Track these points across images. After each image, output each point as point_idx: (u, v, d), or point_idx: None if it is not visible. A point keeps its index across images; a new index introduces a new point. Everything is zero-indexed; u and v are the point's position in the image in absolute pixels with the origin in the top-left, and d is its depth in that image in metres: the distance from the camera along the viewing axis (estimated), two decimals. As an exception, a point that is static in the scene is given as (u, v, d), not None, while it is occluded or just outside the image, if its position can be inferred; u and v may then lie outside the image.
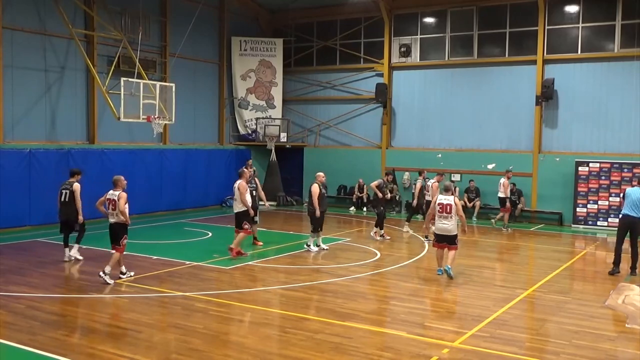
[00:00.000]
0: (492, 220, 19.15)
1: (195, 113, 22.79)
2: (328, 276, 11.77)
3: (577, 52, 20.04)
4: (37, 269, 11.79)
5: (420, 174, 17.96)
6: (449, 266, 11.47)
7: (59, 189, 12.68)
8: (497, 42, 21.42)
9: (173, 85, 18.48)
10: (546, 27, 20.35)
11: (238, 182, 13.38)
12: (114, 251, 10.96)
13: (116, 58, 18.57)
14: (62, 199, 12.54)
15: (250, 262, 12.84)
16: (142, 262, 12.69)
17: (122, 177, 11.12)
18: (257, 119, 24.74)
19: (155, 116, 17.42)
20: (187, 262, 12.63)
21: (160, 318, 8.97)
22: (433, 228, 12.23)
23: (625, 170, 18.97)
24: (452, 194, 11.66)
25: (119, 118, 17.03)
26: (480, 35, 21.61)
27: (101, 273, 10.70)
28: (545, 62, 20.41)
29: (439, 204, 11.49)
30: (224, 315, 9.07)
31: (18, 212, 16.59)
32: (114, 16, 19.32)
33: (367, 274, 12.04)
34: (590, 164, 19.45)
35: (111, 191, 10.94)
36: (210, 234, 16.75)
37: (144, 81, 17.33)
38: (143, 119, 17.19)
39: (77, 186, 12.54)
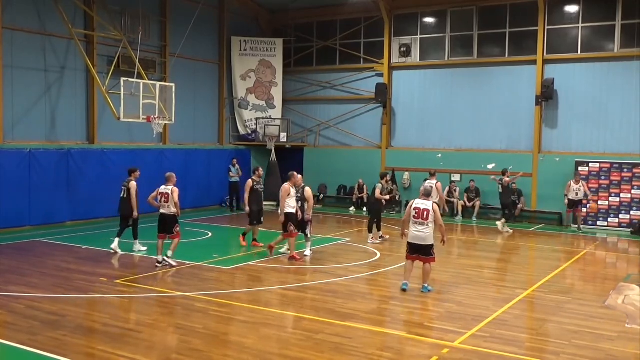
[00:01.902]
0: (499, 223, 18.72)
1: (195, 113, 22.79)
2: (328, 276, 11.76)
3: (577, 52, 20.04)
4: (37, 269, 11.79)
5: (432, 174, 17.39)
6: (425, 285, 10.44)
7: (121, 185, 14.05)
8: (497, 42, 21.42)
9: (173, 85, 18.47)
10: (546, 27, 20.35)
11: (282, 184, 13.54)
12: (167, 240, 12.34)
13: (116, 58, 18.57)
14: (121, 195, 13.87)
15: (250, 262, 12.83)
16: (142, 262, 12.70)
17: (174, 174, 12.73)
18: (257, 119, 24.74)
19: (155, 116, 17.42)
20: (187, 262, 12.63)
21: (160, 318, 8.96)
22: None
23: (625, 170, 18.97)
24: (433, 199, 10.73)
25: (119, 118, 17.03)
26: (480, 35, 21.61)
27: (165, 258, 12.10)
28: (545, 62, 20.41)
29: (415, 209, 10.31)
30: (224, 315, 9.07)
31: (18, 212, 16.59)
32: (114, 16, 19.32)
33: (367, 274, 12.04)
34: (590, 164, 19.45)
35: (163, 186, 12.39)
36: (210, 234, 16.74)
37: (144, 81, 17.33)
38: (143, 119, 17.19)
39: (133, 184, 13.75)
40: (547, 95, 20.00)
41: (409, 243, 10.46)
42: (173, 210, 12.17)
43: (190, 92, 22.38)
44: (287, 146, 24.41)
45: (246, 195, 14.40)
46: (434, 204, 10.41)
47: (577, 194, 18.57)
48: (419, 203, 10.40)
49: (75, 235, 15.89)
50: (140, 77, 17.54)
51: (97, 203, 18.59)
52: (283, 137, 24.14)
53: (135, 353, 7.29)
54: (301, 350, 7.49)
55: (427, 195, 10.54)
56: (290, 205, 13.13)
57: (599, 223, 19.31)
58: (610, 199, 19.17)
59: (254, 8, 25.23)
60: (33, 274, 11.37)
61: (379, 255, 13.97)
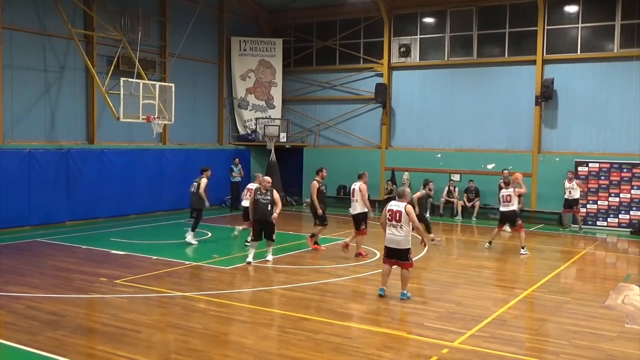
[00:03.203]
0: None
1: (195, 113, 22.79)
2: (328, 276, 11.76)
3: (576, 52, 20.04)
4: (36, 269, 11.78)
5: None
6: (404, 292, 10.02)
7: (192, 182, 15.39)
8: (497, 42, 21.42)
9: (173, 85, 18.47)
10: (546, 27, 20.35)
11: (358, 183, 13.52)
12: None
13: (116, 58, 18.56)
14: (192, 190, 15.14)
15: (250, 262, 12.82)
16: (142, 262, 12.69)
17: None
18: (256, 119, 24.74)
19: (155, 116, 17.42)
20: (187, 262, 12.63)
21: (160, 318, 8.96)
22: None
23: (625, 170, 18.98)
24: (407, 201, 10.11)
25: (118, 118, 17.03)
26: (480, 35, 21.61)
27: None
28: (545, 62, 20.41)
29: (388, 211, 9.95)
30: (223, 315, 9.07)
31: (18, 212, 16.58)
32: (114, 16, 19.31)
33: (367, 274, 12.03)
34: (590, 164, 19.45)
35: (251, 184, 13.98)
36: (210, 234, 16.73)
37: (144, 81, 17.33)
38: (143, 119, 17.19)
39: (203, 181, 15.15)
40: (546, 95, 20.00)
41: (385, 247, 10.11)
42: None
43: (190, 92, 22.38)
44: (287, 146, 24.41)
45: (314, 197, 14.06)
46: (407, 205, 9.93)
47: (570, 193, 18.55)
48: (392, 205, 10.03)
49: (74, 235, 15.88)
50: (139, 77, 17.53)
51: (97, 203, 18.61)
52: (283, 137, 24.14)
53: (135, 353, 7.29)
54: (301, 350, 7.49)
55: (400, 196, 10.14)
56: (359, 205, 13.39)
57: (598, 223, 19.31)
58: (610, 199, 19.17)
59: (253, 8, 25.23)
60: (33, 274, 11.36)
61: (378, 255, 13.96)
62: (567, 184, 18.66)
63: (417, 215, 12.79)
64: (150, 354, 7.34)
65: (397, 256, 9.95)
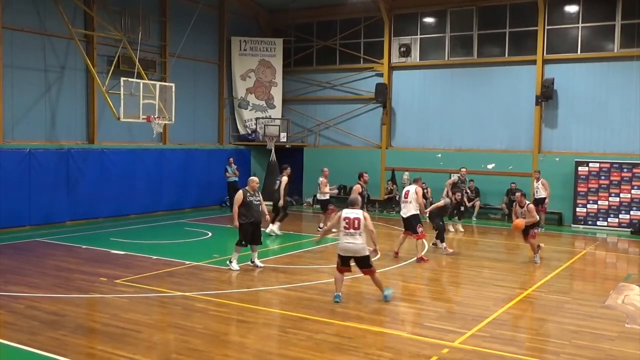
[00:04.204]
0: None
1: (195, 113, 22.79)
2: (328, 276, 11.75)
3: (577, 52, 20.04)
4: (37, 269, 11.79)
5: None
6: (386, 294, 9.83)
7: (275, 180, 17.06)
8: (497, 42, 21.42)
9: (173, 85, 18.48)
10: (546, 27, 20.35)
11: (413, 186, 13.62)
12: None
13: (116, 58, 18.57)
14: (275, 187, 16.67)
15: (250, 262, 12.82)
16: (142, 262, 12.70)
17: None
18: (257, 119, 24.74)
19: (155, 116, 17.43)
20: (187, 262, 12.63)
21: (160, 318, 8.97)
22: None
23: (625, 170, 18.98)
24: (361, 208, 10.04)
25: (118, 118, 17.04)
26: (480, 35, 21.61)
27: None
28: (545, 62, 20.41)
29: (344, 219, 9.65)
30: (224, 315, 9.07)
31: (18, 212, 16.58)
32: (114, 16, 19.32)
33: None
34: (590, 164, 19.45)
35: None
36: (210, 234, 16.74)
37: (144, 81, 17.34)
38: (143, 119, 17.19)
39: (284, 179, 16.65)
40: (547, 95, 20.00)
41: (339, 255, 9.78)
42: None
43: (190, 92, 22.38)
44: (287, 146, 24.41)
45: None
46: (365, 213, 9.81)
47: (537, 192, 18.48)
48: (347, 212, 9.72)
49: (75, 235, 15.88)
50: (140, 77, 17.54)
51: (97, 203, 18.61)
52: (283, 137, 24.14)
53: (135, 353, 7.30)
54: (301, 350, 7.49)
55: (353, 204, 9.88)
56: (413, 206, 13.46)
57: (599, 223, 19.31)
58: (610, 199, 19.16)
59: (253, 8, 25.23)
60: (33, 274, 11.37)
61: (379, 255, 13.95)
62: (534, 184, 18.59)
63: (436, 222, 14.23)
64: (151, 353, 7.34)
65: (358, 264, 9.74)
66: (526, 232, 13.67)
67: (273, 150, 23.65)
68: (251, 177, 12.51)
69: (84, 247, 14.22)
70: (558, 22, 20.31)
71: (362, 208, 13.15)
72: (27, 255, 13.19)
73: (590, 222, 19.42)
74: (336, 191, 18.55)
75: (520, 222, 13.34)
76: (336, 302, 9.65)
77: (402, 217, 13.73)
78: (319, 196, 18.09)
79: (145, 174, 20.17)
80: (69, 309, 9.11)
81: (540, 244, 14.08)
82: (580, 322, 8.94)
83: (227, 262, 12.18)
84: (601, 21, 19.68)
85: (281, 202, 16.56)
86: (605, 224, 19.21)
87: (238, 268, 11.98)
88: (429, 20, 22.66)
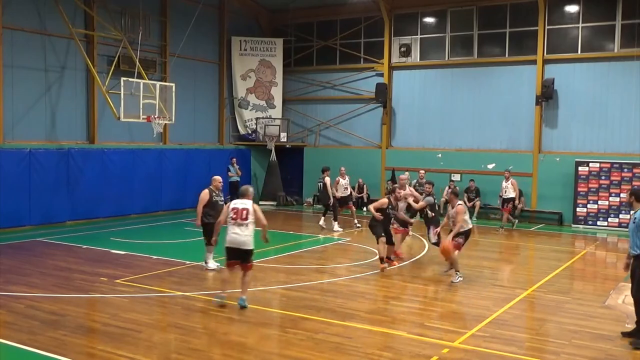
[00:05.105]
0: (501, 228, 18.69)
1: (195, 113, 22.79)
2: (328, 276, 11.77)
3: (577, 52, 20.04)
4: (37, 269, 11.79)
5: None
6: (243, 298, 9.31)
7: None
8: (497, 42, 21.41)
9: (173, 85, 18.48)
10: (546, 27, 20.34)
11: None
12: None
13: (116, 58, 18.58)
14: (318, 189, 17.53)
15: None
16: (142, 262, 12.70)
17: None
18: (257, 118, 24.75)
19: (155, 116, 17.43)
20: (187, 262, 12.62)
21: (160, 318, 8.97)
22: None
23: (625, 170, 18.98)
24: (251, 199, 9.48)
25: (119, 118, 17.04)
26: (480, 35, 21.61)
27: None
28: (545, 62, 20.40)
29: (233, 209, 9.30)
30: (224, 315, 9.07)
31: (18, 211, 16.59)
32: (114, 16, 19.32)
33: (367, 274, 12.03)
34: (590, 164, 19.44)
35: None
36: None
37: (144, 81, 17.34)
38: (143, 118, 17.20)
39: (327, 180, 17.68)
40: (547, 95, 20.00)
41: (226, 248, 9.34)
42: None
43: (190, 92, 22.39)
44: (287, 146, 24.42)
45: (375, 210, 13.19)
46: (254, 204, 9.43)
47: (505, 192, 18.39)
48: (237, 203, 9.39)
49: (75, 235, 15.89)
50: (140, 76, 17.54)
51: (97, 203, 18.62)
52: (283, 137, 24.16)
53: (136, 353, 7.30)
54: (301, 350, 7.49)
55: (243, 194, 9.52)
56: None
57: (599, 223, 19.30)
58: (611, 198, 19.16)
59: (254, 8, 25.23)
60: (33, 274, 11.37)
61: (379, 255, 13.95)
62: (503, 183, 18.54)
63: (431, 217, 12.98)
64: (151, 353, 7.34)
65: (240, 257, 9.31)
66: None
67: (273, 150, 23.67)
68: (214, 177, 12.26)
69: (84, 247, 14.23)
70: (558, 22, 20.31)
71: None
72: (27, 255, 13.20)
73: (590, 222, 19.41)
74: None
75: (447, 244, 11.33)
76: (219, 302, 9.40)
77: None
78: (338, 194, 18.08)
79: (145, 174, 20.18)
80: (69, 309, 9.12)
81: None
82: (580, 322, 8.94)
83: (203, 263, 12.07)
84: (601, 21, 19.68)
85: (330, 201, 17.60)
86: (606, 224, 19.21)
87: (215, 267, 11.91)
88: (429, 20, 22.65)
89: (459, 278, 11.22)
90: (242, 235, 9.20)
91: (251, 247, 9.29)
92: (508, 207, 18.45)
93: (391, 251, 12.72)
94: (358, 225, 18.15)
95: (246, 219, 9.22)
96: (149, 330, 8.21)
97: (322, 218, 17.96)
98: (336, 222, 17.64)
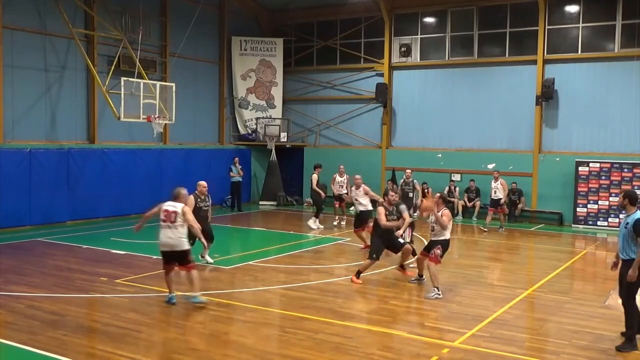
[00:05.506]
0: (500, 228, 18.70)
1: (195, 113, 22.79)
2: (328, 276, 11.77)
3: (577, 52, 20.04)
4: (37, 269, 11.79)
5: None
6: (196, 295, 9.37)
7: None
8: (497, 42, 21.41)
9: (173, 85, 18.48)
10: (546, 27, 20.34)
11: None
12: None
13: (116, 58, 18.57)
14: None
15: (250, 262, 12.84)
16: (142, 262, 12.69)
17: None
18: (257, 118, 24.75)
19: (156, 116, 17.43)
20: (187, 262, 12.59)
21: (160, 318, 8.97)
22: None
23: (625, 170, 18.97)
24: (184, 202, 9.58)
25: (119, 118, 17.03)
26: (480, 35, 21.60)
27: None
28: (546, 62, 20.40)
29: (163, 211, 9.39)
30: (224, 315, 9.07)
31: (18, 212, 16.59)
32: (114, 16, 19.32)
33: (367, 274, 12.01)
34: (591, 164, 19.44)
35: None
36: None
37: (144, 81, 17.34)
38: (143, 118, 17.19)
39: (314, 176, 17.90)
40: (547, 95, 19.99)
41: (161, 251, 9.45)
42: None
43: (191, 92, 22.38)
44: (287, 146, 24.42)
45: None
46: (184, 207, 9.44)
47: (495, 192, 18.35)
48: (168, 205, 9.47)
49: (75, 235, 15.89)
50: (140, 76, 17.54)
51: (97, 203, 18.62)
52: (283, 136, 24.15)
53: (136, 353, 7.30)
54: (301, 350, 7.49)
55: (176, 197, 9.57)
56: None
57: (599, 223, 19.30)
58: (611, 198, 19.15)
59: (254, 8, 25.23)
60: (33, 274, 11.37)
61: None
62: (492, 184, 18.51)
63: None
64: (151, 353, 7.35)
65: (176, 259, 9.38)
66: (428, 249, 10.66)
67: (273, 150, 23.67)
68: (199, 182, 12.24)
69: (84, 246, 14.23)
70: (558, 22, 20.31)
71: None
72: (27, 255, 13.20)
73: (590, 222, 19.41)
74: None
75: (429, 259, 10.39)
76: (172, 304, 9.38)
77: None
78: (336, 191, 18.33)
79: (145, 174, 20.16)
80: (69, 309, 9.12)
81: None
82: (580, 322, 8.94)
83: (199, 257, 12.20)
84: (602, 21, 19.68)
85: (322, 195, 17.91)
86: (606, 224, 19.20)
87: (212, 261, 12.38)
88: (430, 20, 22.65)
89: (435, 295, 10.07)
90: (174, 238, 9.28)
91: (184, 247, 9.33)
92: (502, 208, 18.38)
93: (405, 258, 11.65)
94: (341, 224, 18.30)
95: (175, 221, 9.28)
96: (149, 330, 8.22)
97: (315, 219, 17.98)
98: (317, 220, 17.76)
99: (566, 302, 10.15)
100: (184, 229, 9.33)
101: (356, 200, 14.61)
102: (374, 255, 11.03)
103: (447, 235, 10.38)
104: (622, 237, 7.75)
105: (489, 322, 8.86)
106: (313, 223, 17.79)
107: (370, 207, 14.51)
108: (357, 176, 14.84)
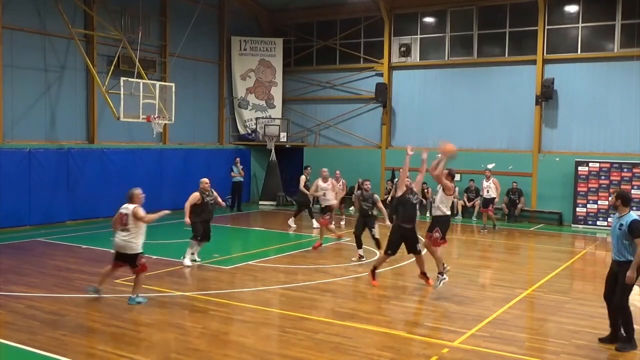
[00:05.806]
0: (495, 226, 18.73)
1: (195, 113, 22.78)
2: (328, 276, 11.77)
3: (577, 52, 20.04)
4: (37, 269, 11.79)
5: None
6: (133, 297, 9.42)
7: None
8: (497, 42, 21.42)
9: (173, 85, 18.48)
10: (546, 27, 20.35)
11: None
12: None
13: (116, 58, 18.57)
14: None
15: (250, 262, 12.84)
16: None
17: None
18: (257, 118, 24.75)
19: (155, 116, 17.43)
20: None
21: (160, 318, 8.96)
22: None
23: (625, 170, 18.98)
24: (137, 204, 9.42)
25: (118, 118, 17.04)
26: (480, 35, 21.61)
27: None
28: (545, 62, 20.40)
29: (118, 214, 9.50)
30: (224, 315, 9.07)
31: (18, 211, 16.58)
32: (114, 16, 19.32)
33: (367, 274, 12.02)
34: (590, 164, 19.45)
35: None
36: (210, 234, 16.70)
37: (144, 81, 17.34)
38: (143, 118, 17.19)
39: (302, 178, 18.00)
40: (547, 95, 20.00)
41: (114, 251, 9.64)
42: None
43: (190, 92, 22.38)
44: (287, 146, 24.42)
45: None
46: (135, 207, 9.36)
47: (487, 192, 18.33)
48: (122, 208, 9.48)
49: (75, 235, 15.89)
50: (140, 76, 17.54)
51: (97, 203, 18.59)
52: (283, 136, 24.15)
53: (135, 353, 7.30)
54: (301, 350, 7.49)
55: (130, 198, 9.49)
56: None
57: (599, 223, 19.30)
58: (610, 198, 19.11)
59: (254, 8, 25.23)
60: (33, 274, 11.37)
61: (379, 255, 13.94)
62: (484, 183, 18.50)
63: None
64: (151, 353, 7.34)
65: (125, 261, 9.51)
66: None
67: (273, 150, 23.67)
68: (202, 179, 12.69)
69: (84, 246, 14.23)
70: (558, 22, 20.31)
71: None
72: (27, 255, 13.20)
73: (590, 222, 19.42)
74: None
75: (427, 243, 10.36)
76: (90, 292, 9.59)
77: None
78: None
79: (145, 174, 20.13)
80: (69, 309, 9.11)
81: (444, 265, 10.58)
82: (580, 322, 8.94)
83: (182, 257, 12.41)
84: (601, 21, 19.69)
85: (309, 197, 17.90)
86: (605, 223, 19.18)
87: (189, 264, 12.26)
88: (429, 20, 22.66)
89: (442, 281, 10.10)
90: (125, 239, 9.38)
91: (134, 251, 9.40)
92: (491, 209, 18.37)
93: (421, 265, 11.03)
94: (340, 224, 18.66)
95: (126, 224, 9.36)
96: (148, 331, 8.21)
97: (313, 220, 18.03)
98: (293, 219, 18.05)
99: (566, 302, 10.16)
100: (137, 231, 9.37)
101: (324, 194, 15.31)
102: (389, 251, 10.87)
103: (445, 210, 10.42)
104: (617, 238, 7.70)
105: (489, 322, 8.86)
106: (292, 222, 18.03)
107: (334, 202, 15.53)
108: (324, 169, 15.86)
